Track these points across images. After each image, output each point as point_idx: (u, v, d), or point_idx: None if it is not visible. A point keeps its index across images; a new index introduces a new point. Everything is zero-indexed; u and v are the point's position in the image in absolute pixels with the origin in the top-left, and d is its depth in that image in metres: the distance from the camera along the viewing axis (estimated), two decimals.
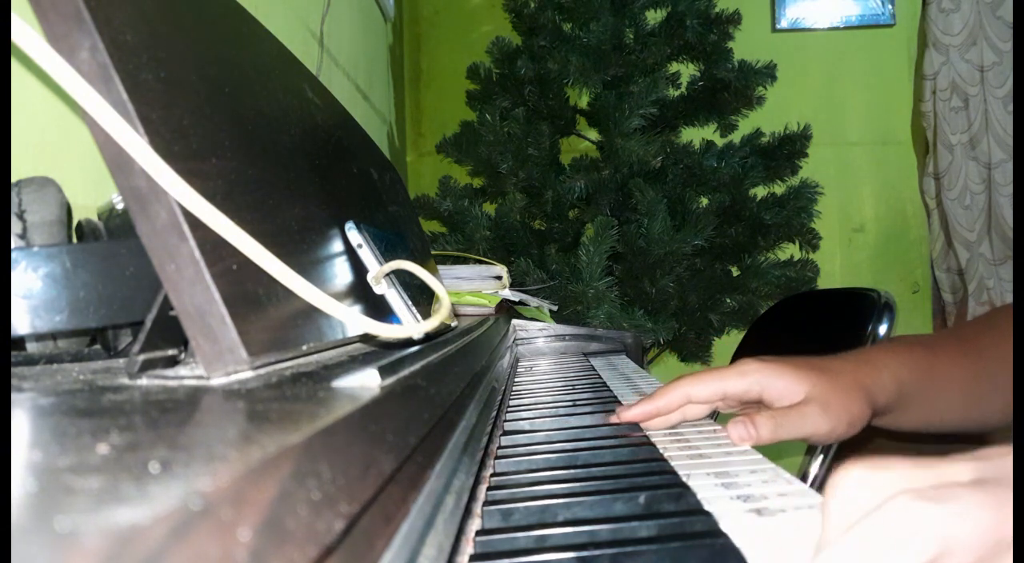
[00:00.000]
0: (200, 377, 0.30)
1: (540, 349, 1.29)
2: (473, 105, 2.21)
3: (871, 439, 0.74)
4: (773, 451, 0.53)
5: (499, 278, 1.23)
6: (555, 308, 1.57)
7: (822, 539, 0.30)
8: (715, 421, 0.65)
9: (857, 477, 0.30)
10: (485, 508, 0.40)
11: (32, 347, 0.41)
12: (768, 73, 2.12)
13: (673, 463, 0.49)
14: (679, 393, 0.61)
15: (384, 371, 0.30)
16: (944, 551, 0.26)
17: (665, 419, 0.61)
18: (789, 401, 0.59)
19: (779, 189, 2.12)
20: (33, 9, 0.30)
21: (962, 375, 0.66)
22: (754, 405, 0.62)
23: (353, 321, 0.35)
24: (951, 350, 0.67)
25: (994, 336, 0.67)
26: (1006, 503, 0.27)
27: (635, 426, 0.61)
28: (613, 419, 0.63)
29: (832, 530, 0.30)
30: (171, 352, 0.34)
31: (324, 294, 0.33)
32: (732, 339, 1.89)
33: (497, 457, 0.52)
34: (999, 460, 0.30)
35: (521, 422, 0.67)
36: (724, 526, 0.36)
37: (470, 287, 1.21)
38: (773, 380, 0.60)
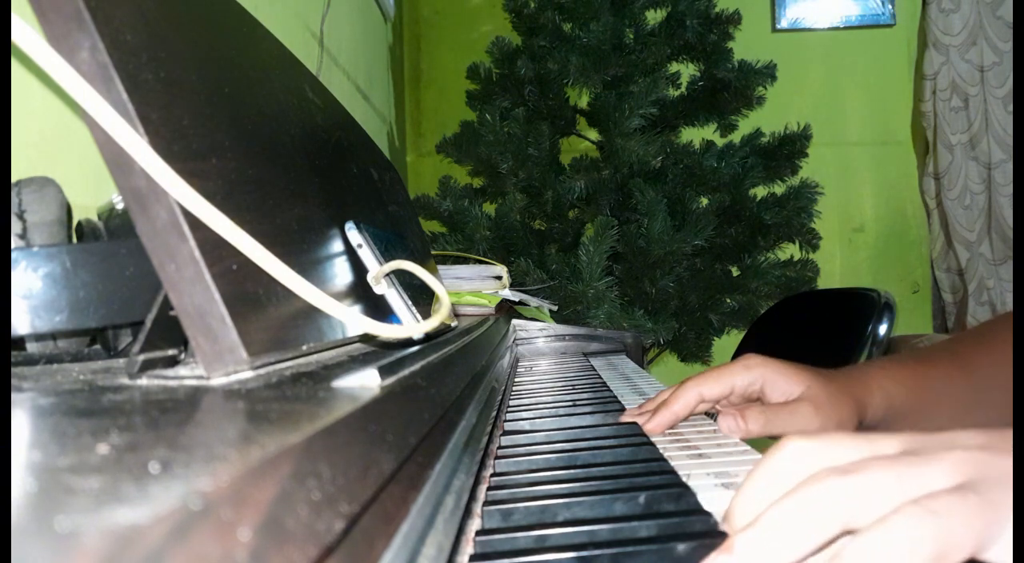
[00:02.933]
0: (200, 377, 0.30)
1: (540, 349, 1.29)
2: (473, 105, 2.21)
3: None
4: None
5: (499, 278, 1.23)
6: (555, 308, 1.57)
7: (733, 501, 0.33)
8: (714, 421, 0.65)
9: (793, 448, 0.32)
10: (485, 508, 0.40)
11: (32, 347, 0.41)
12: (768, 73, 2.12)
13: (673, 463, 0.49)
14: (693, 394, 0.62)
15: (384, 371, 0.30)
16: (850, 519, 0.28)
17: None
18: (786, 398, 0.62)
19: (779, 189, 2.12)
20: (33, 9, 0.30)
21: (955, 391, 0.66)
22: (754, 402, 0.64)
23: (353, 321, 0.35)
24: (944, 366, 0.68)
25: (988, 350, 0.68)
26: (914, 467, 0.29)
27: (635, 426, 0.61)
28: (630, 419, 0.63)
29: (747, 496, 0.32)
30: (171, 352, 0.34)
31: (324, 294, 0.33)
32: (732, 339, 1.89)
33: (497, 457, 0.52)
34: (928, 435, 0.32)
35: (521, 422, 0.67)
36: (724, 526, 0.36)
37: (470, 287, 1.21)
38: (775, 376, 0.62)
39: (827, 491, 0.29)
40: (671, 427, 0.61)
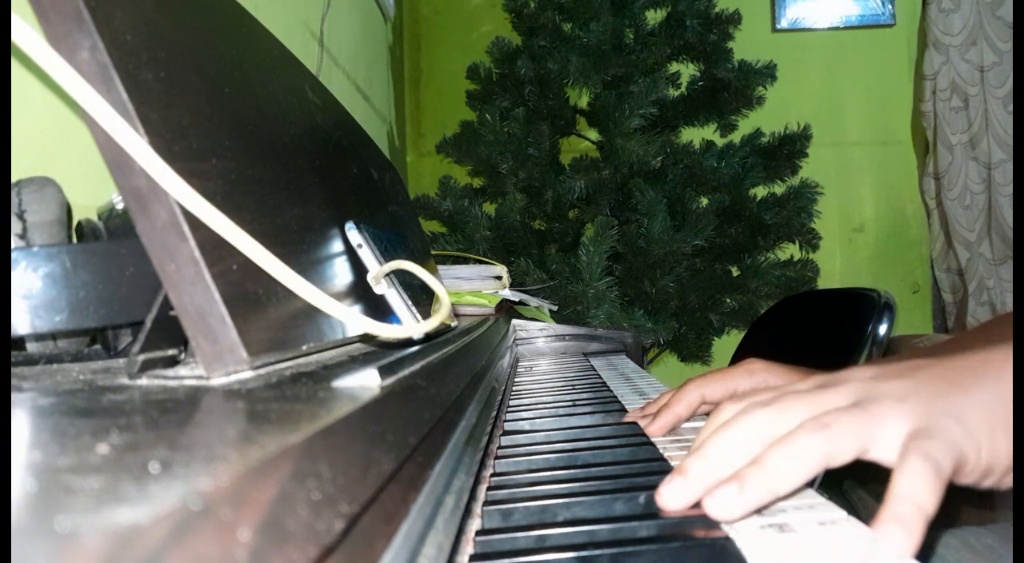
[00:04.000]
0: (200, 377, 0.30)
1: (540, 349, 1.29)
2: (473, 105, 2.21)
3: None
4: None
5: (499, 278, 1.23)
6: (555, 308, 1.57)
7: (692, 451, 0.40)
8: None
9: (728, 406, 0.41)
10: (485, 508, 0.40)
11: (32, 347, 0.41)
12: (768, 73, 2.12)
13: (673, 463, 0.49)
14: (695, 396, 0.62)
15: (384, 371, 0.30)
16: (771, 437, 0.37)
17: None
18: None
19: (779, 189, 2.12)
20: (33, 9, 0.30)
21: None
22: None
23: (353, 321, 0.35)
24: None
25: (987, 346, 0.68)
26: (818, 395, 0.38)
27: (635, 426, 0.61)
28: (632, 420, 0.64)
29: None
30: (171, 352, 0.34)
31: (324, 294, 0.33)
32: (732, 339, 1.89)
33: (497, 457, 0.52)
34: (833, 374, 0.41)
35: (521, 422, 0.67)
36: (724, 525, 0.36)
37: (470, 287, 1.21)
38: (776, 381, 0.62)
39: (752, 418, 0.38)
40: (673, 429, 0.61)
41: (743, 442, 0.37)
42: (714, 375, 0.63)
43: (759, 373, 0.63)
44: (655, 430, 0.61)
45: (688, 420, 0.63)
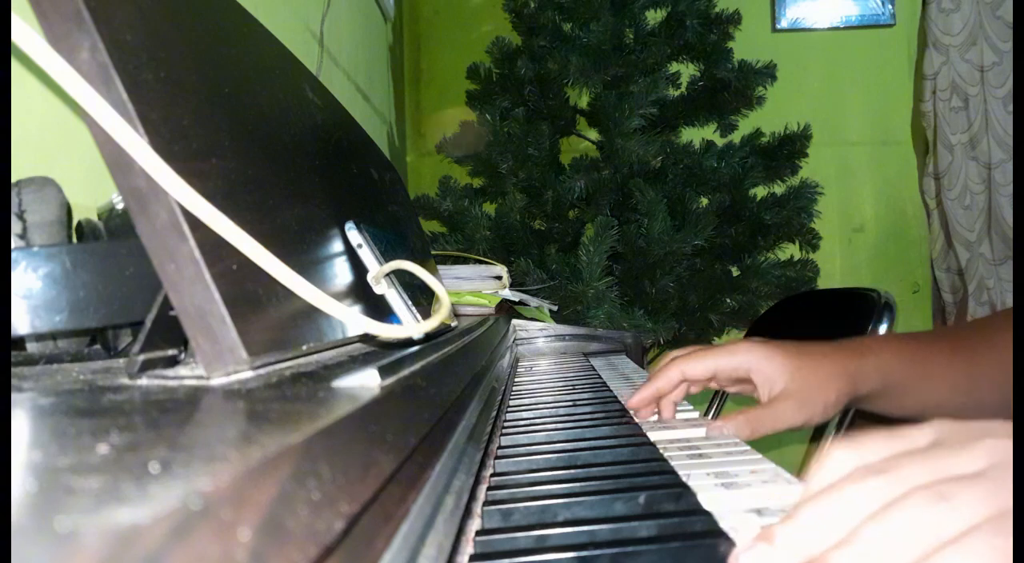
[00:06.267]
0: (200, 377, 0.30)
1: (540, 349, 1.29)
2: (473, 105, 2.21)
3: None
4: (773, 441, 0.56)
5: (499, 278, 1.23)
6: (555, 308, 1.57)
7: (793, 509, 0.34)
8: (714, 419, 0.66)
9: (836, 456, 0.34)
10: (485, 508, 0.40)
11: (32, 347, 0.41)
12: (768, 73, 2.12)
13: (673, 463, 0.49)
14: (675, 372, 0.65)
15: (384, 371, 0.30)
16: (884, 510, 0.29)
17: (668, 400, 0.66)
18: (771, 384, 0.63)
19: (779, 189, 2.12)
20: (33, 9, 0.30)
21: (954, 372, 0.67)
22: (743, 382, 0.66)
23: (353, 321, 0.35)
24: (945, 347, 0.68)
25: (991, 335, 0.68)
26: (942, 459, 0.31)
27: (635, 426, 0.61)
28: (628, 403, 0.67)
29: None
30: (171, 352, 0.34)
31: (324, 294, 0.33)
32: (732, 339, 1.89)
33: (497, 457, 0.52)
34: (960, 424, 0.34)
35: (521, 422, 0.67)
36: (724, 526, 0.36)
37: (470, 287, 1.21)
38: (760, 361, 0.64)
39: (859, 489, 0.31)
40: (654, 401, 0.64)
41: (842, 513, 0.30)
42: (697, 354, 0.65)
43: (741, 354, 0.64)
44: (633, 403, 0.64)
45: (668, 394, 0.65)
